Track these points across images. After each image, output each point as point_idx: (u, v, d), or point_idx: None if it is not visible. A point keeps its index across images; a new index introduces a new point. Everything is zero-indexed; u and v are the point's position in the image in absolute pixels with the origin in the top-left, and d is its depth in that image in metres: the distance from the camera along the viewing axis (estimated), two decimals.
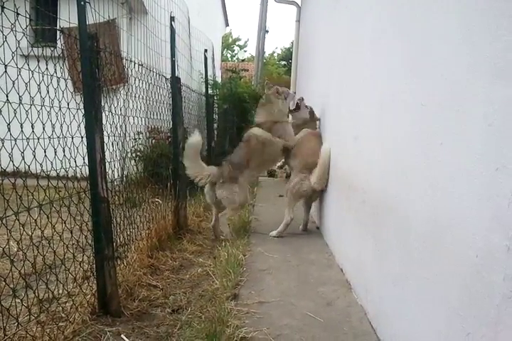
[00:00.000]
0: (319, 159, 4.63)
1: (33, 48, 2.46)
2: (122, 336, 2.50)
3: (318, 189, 4.69)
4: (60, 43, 2.88)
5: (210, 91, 8.83)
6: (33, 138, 2.23)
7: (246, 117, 9.80)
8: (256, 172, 5.29)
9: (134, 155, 5.80)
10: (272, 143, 4.84)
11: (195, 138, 4.51)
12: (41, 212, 2.25)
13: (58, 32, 2.77)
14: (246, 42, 39.15)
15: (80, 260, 2.71)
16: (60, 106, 2.51)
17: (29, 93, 2.21)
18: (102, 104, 2.84)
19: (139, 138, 5.38)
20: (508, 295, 1.36)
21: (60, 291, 2.53)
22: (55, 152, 2.44)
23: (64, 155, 2.51)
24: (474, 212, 1.59)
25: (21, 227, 2.06)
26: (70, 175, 2.59)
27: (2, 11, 2.03)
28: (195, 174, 4.59)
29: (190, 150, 4.49)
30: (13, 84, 2.09)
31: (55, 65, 2.50)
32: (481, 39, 1.62)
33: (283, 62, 34.49)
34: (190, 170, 4.57)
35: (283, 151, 4.99)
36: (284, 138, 4.90)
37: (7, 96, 2.05)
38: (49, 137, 2.40)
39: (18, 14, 2.16)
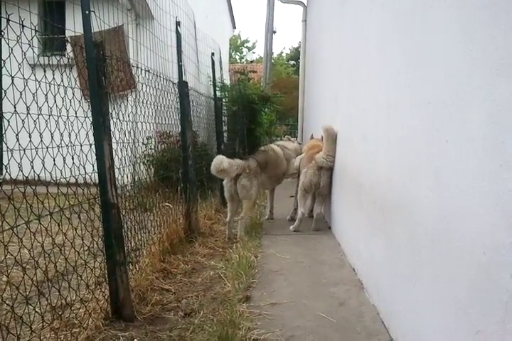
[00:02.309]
0: (324, 136, 4.93)
1: (41, 57, 2.50)
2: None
3: (325, 165, 4.85)
4: (66, 52, 2.92)
5: (218, 94, 8.85)
6: (42, 148, 2.26)
7: (255, 118, 9.80)
8: (266, 182, 5.42)
9: (144, 160, 5.85)
10: (281, 159, 5.63)
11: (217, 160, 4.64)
12: (52, 219, 2.29)
13: (65, 41, 2.82)
14: (254, 43, 39.21)
15: (92, 266, 2.74)
16: (67, 115, 2.54)
17: (36, 103, 2.24)
18: (110, 111, 2.87)
19: (149, 143, 5.43)
20: None
21: (73, 297, 2.57)
22: (64, 160, 2.47)
23: (73, 163, 2.54)
24: (481, 209, 1.58)
25: (33, 236, 2.09)
26: (79, 182, 2.62)
27: (7, 24, 2.07)
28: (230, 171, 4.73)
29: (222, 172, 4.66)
30: (21, 94, 2.13)
31: (61, 74, 2.54)
32: (482, 37, 1.61)
33: (292, 62, 34.49)
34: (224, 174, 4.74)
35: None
36: (288, 160, 5.77)
37: (15, 107, 2.09)
38: (58, 146, 2.43)
39: (23, 26, 2.20)
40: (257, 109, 9.80)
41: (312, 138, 6.08)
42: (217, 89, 8.58)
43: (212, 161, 4.65)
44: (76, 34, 2.77)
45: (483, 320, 1.53)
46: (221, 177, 4.92)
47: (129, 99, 3.92)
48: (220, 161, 4.58)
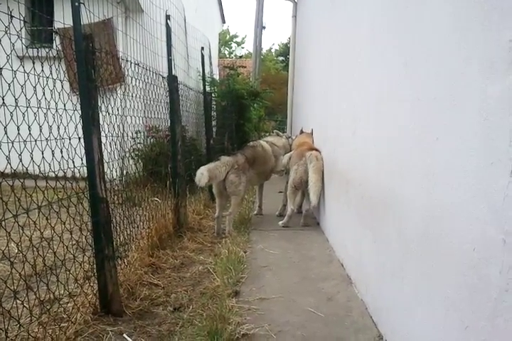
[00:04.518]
0: (312, 176, 4.81)
1: (29, 49, 2.45)
2: (124, 335, 2.51)
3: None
4: (55, 44, 2.87)
5: (207, 88, 8.81)
6: (30, 141, 2.22)
7: (244, 114, 9.79)
8: (254, 179, 5.42)
9: (133, 154, 5.80)
10: (269, 156, 5.61)
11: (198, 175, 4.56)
12: (40, 213, 2.26)
13: (54, 33, 2.78)
14: (243, 38, 39.04)
15: (81, 260, 2.72)
16: (56, 108, 2.51)
17: (25, 95, 2.20)
18: (99, 105, 2.84)
19: (138, 138, 5.40)
20: (504, 288, 1.36)
21: (62, 292, 2.55)
22: (53, 153, 2.44)
23: (62, 156, 2.51)
24: (470, 206, 1.59)
25: (21, 229, 2.06)
26: (68, 176, 2.59)
27: None
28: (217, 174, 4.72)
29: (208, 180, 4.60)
30: (9, 86, 2.09)
31: (50, 66, 2.50)
32: (475, 34, 1.62)
33: (281, 58, 34.39)
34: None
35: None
36: (277, 157, 5.73)
37: (3, 99, 2.05)
38: (46, 139, 2.40)
39: (12, 17, 2.16)
40: (246, 105, 9.79)
41: (302, 132, 6.07)
42: (206, 83, 8.53)
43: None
44: (65, 26, 2.73)
45: (473, 315, 1.54)
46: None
47: (118, 92, 3.88)
48: (200, 177, 4.50)
